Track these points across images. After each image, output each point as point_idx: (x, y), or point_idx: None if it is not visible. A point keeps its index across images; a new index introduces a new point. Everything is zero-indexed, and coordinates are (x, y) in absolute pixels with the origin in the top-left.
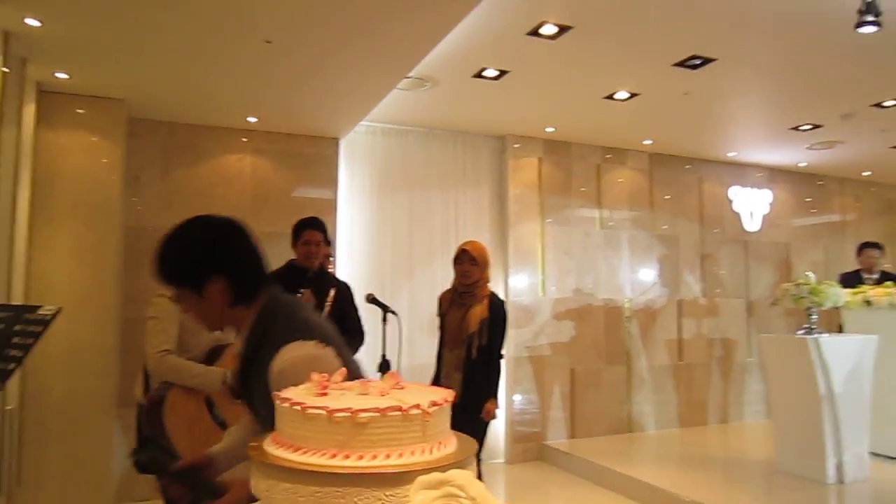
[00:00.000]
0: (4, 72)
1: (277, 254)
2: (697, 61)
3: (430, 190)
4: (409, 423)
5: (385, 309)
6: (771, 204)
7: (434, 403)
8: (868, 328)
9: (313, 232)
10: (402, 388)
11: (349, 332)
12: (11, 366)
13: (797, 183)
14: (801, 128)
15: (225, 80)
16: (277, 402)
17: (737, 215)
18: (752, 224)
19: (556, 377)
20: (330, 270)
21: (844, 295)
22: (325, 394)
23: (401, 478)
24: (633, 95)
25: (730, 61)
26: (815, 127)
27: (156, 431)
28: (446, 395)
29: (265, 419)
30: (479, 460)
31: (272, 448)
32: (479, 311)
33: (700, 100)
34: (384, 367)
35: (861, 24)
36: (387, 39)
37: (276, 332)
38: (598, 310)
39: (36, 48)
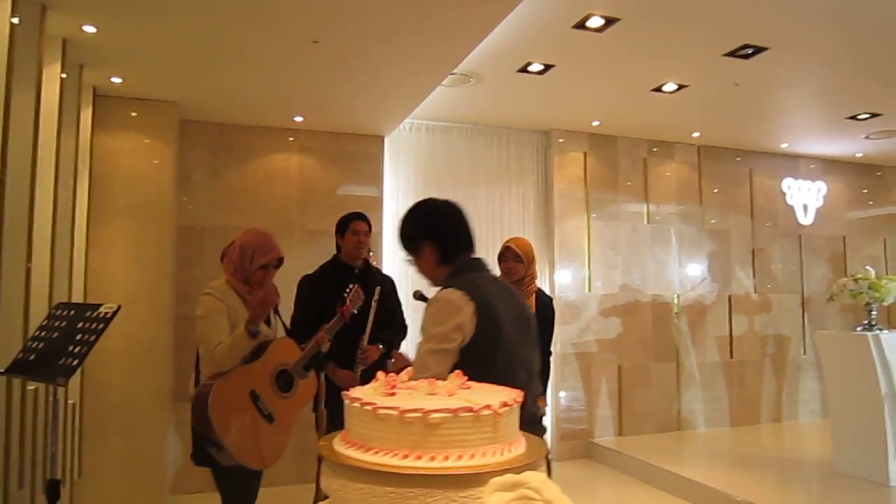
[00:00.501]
0: (63, 78)
1: (322, 251)
2: (749, 50)
3: (474, 186)
4: (481, 424)
5: None
6: (825, 196)
7: (504, 404)
8: None
9: (361, 223)
10: (468, 388)
11: (395, 326)
12: (74, 362)
13: (853, 174)
14: (858, 117)
15: (272, 81)
16: (347, 401)
17: (790, 208)
18: (805, 217)
19: (603, 374)
20: (374, 265)
21: None
22: (393, 393)
23: (474, 479)
24: (681, 87)
25: (783, 49)
26: (874, 116)
27: (202, 425)
28: (515, 396)
29: None
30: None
31: (342, 447)
32: None
33: (751, 90)
34: None
35: None
36: (433, 36)
37: (448, 281)
38: (646, 306)
39: (92, 54)
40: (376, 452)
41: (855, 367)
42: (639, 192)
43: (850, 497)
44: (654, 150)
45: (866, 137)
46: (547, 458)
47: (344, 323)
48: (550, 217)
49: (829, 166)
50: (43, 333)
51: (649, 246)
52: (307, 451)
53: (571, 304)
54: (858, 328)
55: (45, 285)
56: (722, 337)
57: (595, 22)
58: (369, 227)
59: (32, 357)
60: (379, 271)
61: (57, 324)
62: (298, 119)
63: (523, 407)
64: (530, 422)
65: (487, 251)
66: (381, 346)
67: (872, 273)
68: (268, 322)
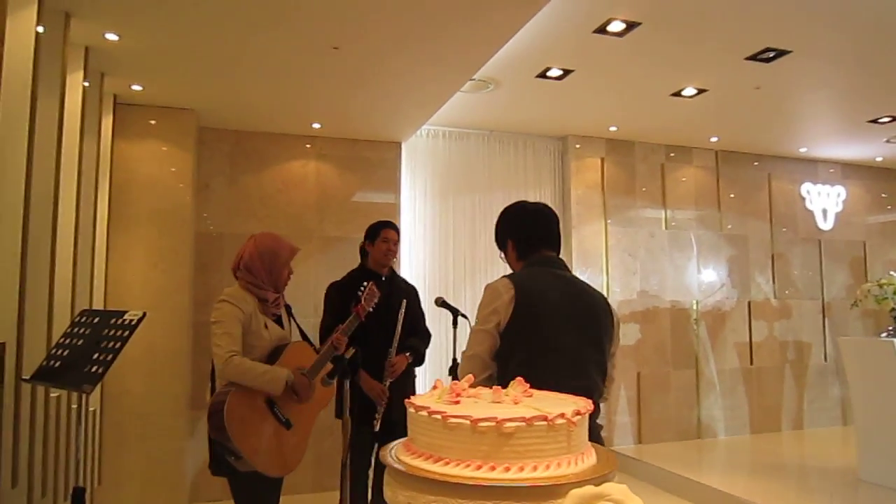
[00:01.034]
0: (85, 86)
1: (340, 258)
2: (771, 54)
3: (491, 192)
4: (555, 433)
5: (455, 312)
6: (844, 201)
7: (577, 412)
8: None
9: (391, 231)
10: (530, 396)
11: (419, 333)
12: (100, 370)
13: (873, 178)
14: (879, 120)
15: (291, 88)
16: (412, 410)
17: (809, 213)
18: (825, 222)
19: (621, 381)
20: (401, 275)
21: None
22: (458, 401)
23: (552, 491)
24: (700, 91)
25: (805, 53)
26: (895, 119)
27: (220, 434)
28: (586, 405)
29: None
30: None
31: (407, 457)
32: None
33: (772, 94)
34: (454, 370)
35: None
36: (453, 42)
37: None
38: (664, 312)
39: (113, 62)
40: (447, 463)
41: (880, 373)
42: (656, 198)
43: None
44: (672, 155)
45: (887, 141)
46: None
47: (360, 322)
48: (568, 223)
49: (848, 170)
50: (67, 341)
51: (667, 252)
52: (325, 458)
53: None
54: (883, 334)
55: (67, 292)
56: (741, 343)
57: (616, 26)
58: (398, 235)
59: (57, 364)
60: (404, 281)
61: (81, 331)
62: (316, 126)
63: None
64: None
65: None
66: (408, 355)
67: None
68: (280, 324)
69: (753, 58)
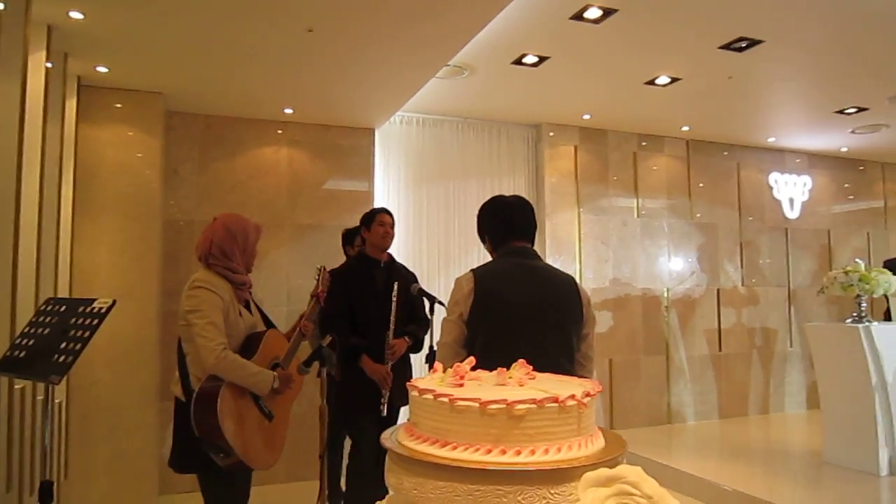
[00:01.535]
0: (48, 67)
1: (313, 246)
2: (744, 43)
3: (465, 180)
4: (566, 416)
5: (432, 300)
6: (810, 190)
7: (587, 394)
8: None
9: (386, 215)
10: (533, 378)
11: (418, 320)
12: (69, 359)
13: (837, 168)
14: (846, 111)
15: (263, 72)
16: (415, 393)
17: (776, 202)
18: (791, 211)
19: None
20: (400, 262)
21: None
22: (461, 384)
23: (565, 474)
24: (673, 80)
25: (777, 42)
26: (861, 110)
27: (209, 430)
28: (594, 386)
29: None
30: None
31: (412, 442)
32: None
33: (743, 83)
34: (431, 358)
35: None
36: (429, 27)
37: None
38: (636, 300)
39: (77, 42)
40: (455, 447)
41: (846, 358)
42: (629, 186)
43: (840, 486)
44: (644, 143)
45: (852, 132)
46: None
47: (320, 306)
48: (541, 211)
49: (814, 160)
50: (32, 330)
51: (639, 240)
52: (297, 448)
53: None
54: (848, 320)
55: (31, 280)
56: (710, 330)
57: (593, 13)
58: (393, 220)
59: (22, 354)
60: (404, 267)
61: (47, 319)
62: (288, 111)
63: None
64: None
65: (478, 245)
66: (407, 339)
67: (862, 265)
68: (249, 310)
69: (727, 47)
